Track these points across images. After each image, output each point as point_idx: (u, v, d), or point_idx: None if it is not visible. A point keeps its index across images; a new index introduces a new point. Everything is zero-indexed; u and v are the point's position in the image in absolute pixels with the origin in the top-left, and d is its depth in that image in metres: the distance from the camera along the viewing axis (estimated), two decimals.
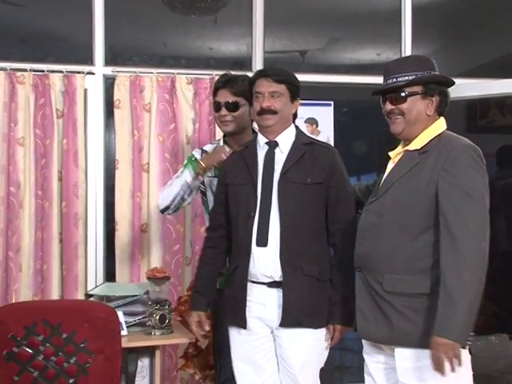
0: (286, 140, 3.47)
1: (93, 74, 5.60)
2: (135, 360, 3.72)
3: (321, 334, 3.38)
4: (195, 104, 5.62)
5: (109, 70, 5.64)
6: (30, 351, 3.42)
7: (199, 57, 6.28)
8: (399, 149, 3.09)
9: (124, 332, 3.69)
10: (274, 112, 3.41)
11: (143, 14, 6.13)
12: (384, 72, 3.11)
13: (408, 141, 3.04)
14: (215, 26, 6.23)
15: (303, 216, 3.33)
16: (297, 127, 3.57)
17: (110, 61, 5.70)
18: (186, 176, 4.00)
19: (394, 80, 3.02)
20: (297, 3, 6.30)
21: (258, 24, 5.89)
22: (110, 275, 5.57)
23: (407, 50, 6.02)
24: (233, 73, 5.55)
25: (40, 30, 6.06)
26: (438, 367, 2.73)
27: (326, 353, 3.45)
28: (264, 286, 3.38)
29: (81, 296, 5.22)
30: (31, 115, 5.38)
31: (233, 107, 3.92)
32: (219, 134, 5.45)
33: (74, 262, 5.39)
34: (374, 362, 3.10)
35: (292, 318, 3.30)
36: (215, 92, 4.07)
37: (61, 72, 5.45)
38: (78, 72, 5.49)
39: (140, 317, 3.98)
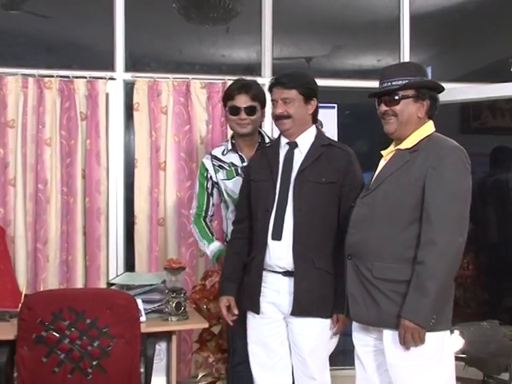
0: (305, 141, 3.45)
1: (114, 79, 5.62)
2: (153, 344, 3.69)
3: (329, 322, 3.37)
4: (208, 107, 5.62)
5: (128, 76, 5.66)
6: (57, 335, 3.43)
7: (212, 63, 6.26)
8: (391, 148, 3.11)
9: (143, 318, 3.68)
10: (288, 117, 3.41)
11: (160, 23, 6.13)
12: (380, 76, 3.13)
13: (399, 140, 3.05)
14: (227, 34, 6.24)
15: (316, 213, 3.31)
16: (317, 128, 3.55)
17: (129, 67, 5.72)
18: (207, 251, 4.21)
19: (389, 84, 3.04)
20: (303, 13, 6.25)
21: (266, 32, 5.90)
22: (129, 265, 5.60)
23: (405, 56, 6.00)
24: (244, 78, 5.66)
25: (65, 39, 6.06)
26: (405, 345, 2.81)
27: (335, 340, 3.44)
28: (279, 275, 3.38)
29: (103, 285, 5.24)
30: (57, 118, 5.41)
31: (251, 111, 3.93)
32: (231, 134, 5.51)
33: (96, 253, 5.43)
34: (362, 345, 3.11)
35: (302, 307, 3.30)
36: (232, 97, 4.01)
37: (84, 78, 5.48)
38: (101, 78, 5.53)
39: (157, 304, 3.96)
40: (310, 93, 3.47)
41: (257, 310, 3.44)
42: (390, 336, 2.91)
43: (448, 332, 2.95)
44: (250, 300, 3.49)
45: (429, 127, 3.07)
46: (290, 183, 3.40)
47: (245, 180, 3.74)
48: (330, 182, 3.32)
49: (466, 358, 4.83)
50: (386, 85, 3.06)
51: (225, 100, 4.13)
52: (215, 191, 4.22)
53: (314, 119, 3.55)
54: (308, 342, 3.34)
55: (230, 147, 4.08)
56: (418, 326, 2.78)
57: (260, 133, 4.12)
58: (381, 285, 2.93)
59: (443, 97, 5.66)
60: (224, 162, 4.07)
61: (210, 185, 4.19)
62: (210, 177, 4.17)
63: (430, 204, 2.86)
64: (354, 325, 3.13)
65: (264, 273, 3.42)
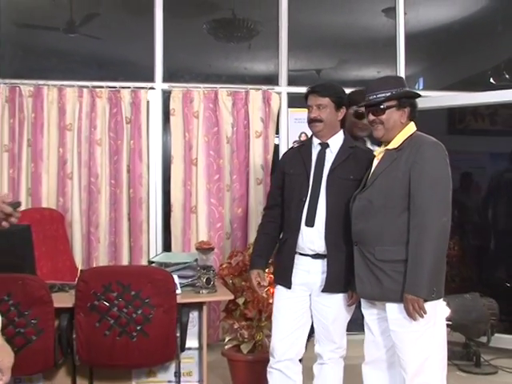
0: (335, 143, 3.39)
1: (154, 89, 5.66)
2: (187, 313, 3.67)
3: (346, 296, 3.34)
4: (233, 112, 5.64)
5: (166, 86, 5.70)
6: (107, 304, 3.45)
7: (236, 74, 6.26)
8: (381, 149, 3.10)
9: (178, 291, 3.67)
10: (320, 121, 3.34)
11: (193, 42, 6.16)
12: (366, 90, 3.10)
13: (387, 142, 3.05)
14: (249, 50, 6.27)
15: (344, 205, 3.23)
16: (345, 133, 3.47)
17: (167, 78, 5.75)
18: None
19: (375, 96, 3.02)
20: (313, 32, 6.25)
21: (282, 48, 5.90)
22: (167, 246, 5.63)
23: (401, 68, 5.99)
24: (263, 87, 5.69)
25: (113, 56, 6.12)
26: (410, 315, 2.84)
27: (351, 311, 3.39)
28: (309, 257, 3.34)
29: (145, 262, 5.30)
30: (106, 122, 5.48)
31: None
32: (252, 135, 5.55)
33: (139, 236, 5.49)
34: (369, 314, 3.13)
35: (332, 285, 3.27)
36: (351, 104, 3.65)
37: (129, 88, 5.54)
38: (142, 88, 5.58)
39: (191, 279, 3.95)
40: (340, 101, 3.39)
41: (288, 286, 3.40)
42: (391, 308, 2.93)
43: (440, 301, 2.97)
44: (282, 277, 3.45)
45: (411, 128, 3.05)
46: (321, 178, 3.34)
47: (279, 172, 3.66)
48: (356, 179, 3.24)
49: (451, 325, 4.83)
50: (371, 97, 3.04)
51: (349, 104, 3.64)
52: None
53: (342, 124, 3.47)
54: (332, 312, 3.32)
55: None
56: (418, 297, 2.81)
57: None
58: (382, 265, 2.94)
59: (434, 103, 5.70)
60: None
61: None
62: None
63: (415, 192, 2.88)
64: (362, 299, 3.16)
65: (296, 255, 3.39)
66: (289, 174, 3.50)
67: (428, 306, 2.86)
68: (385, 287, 2.93)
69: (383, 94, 3.01)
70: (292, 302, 3.40)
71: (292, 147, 3.80)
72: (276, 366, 3.42)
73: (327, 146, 3.40)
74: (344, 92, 3.46)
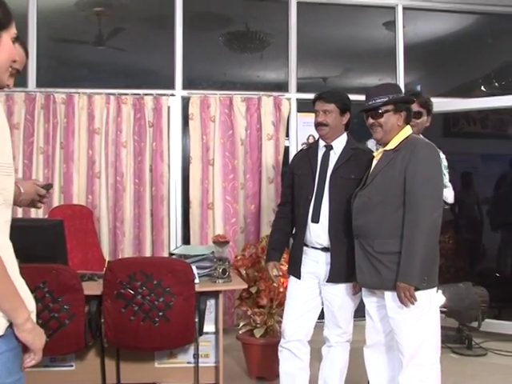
0: (338, 145, 3.39)
1: (174, 95, 5.69)
2: (205, 300, 3.68)
3: (351, 285, 3.33)
4: (247, 116, 5.66)
5: (185, 93, 5.72)
6: (132, 292, 3.46)
7: (250, 82, 6.25)
8: (380, 150, 3.10)
9: (197, 280, 3.66)
10: (326, 125, 3.35)
11: (210, 53, 6.18)
12: (366, 95, 3.09)
13: (385, 144, 3.05)
14: (261, 60, 6.25)
15: (346, 202, 3.23)
16: (348, 135, 3.45)
17: (186, 86, 5.77)
18: None
19: (373, 101, 3.01)
20: (320, 43, 6.27)
21: (292, 58, 5.92)
22: (186, 240, 5.65)
23: (400, 76, 6.01)
24: (274, 94, 5.70)
25: (137, 66, 6.14)
26: (402, 302, 2.84)
27: (357, 299, 3.37)
28: (318, 250, 3.35)
29: (166, 254, 5.33)
30: (131, 126, 5.51)
31: (416, 115, 3.44)
32: (264, 138, 5.55)
33: (160, 230, 5.50)
34: (369, 302, 3.14)
35: (336, 276, 3.28)
36: (413, 102, 3.39)
37: (152, 95, 5.57)
38: (164, 94, 5.61)
39: (208, 270, 3.95)
40: (345, 107, 3.39)
41: (298, 276, 3.43)
42: (389, 296, 2.94)
43: (434, 290, 2.97)
44: (293, 268, 3.48)
45: (406, 131, 3.05)
46: (326, 178, 3.35)
47: (289, 173, 3.67)
48: (357, 178, 3.23)
49: (446, 311, 4.85)
50: (371, 102, 3.03)
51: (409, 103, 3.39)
52: None
53: (347, 128, 3.46)
54: (337, 300, 3.34)
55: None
56: (410, 285, 2.81)
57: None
58: (380, 257, 2.95)
59: None
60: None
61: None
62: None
63: (409, 190, 2.88)
64: (363, 288, 3.16)
65: (304, 248, 3.41)
66: (297, 175, 3.51)
67: (423, 294, 2.87)
68: (383, 277, 2.94)
69: (381, 99, 3.00)
70: (302, 289, 3.42)
71: (301, 149, 3.80)
72: (286, 346, 3.44)
73: (331, 147, 3.40)
74: (349, 99, 3.44)
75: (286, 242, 3.66)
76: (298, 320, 3.42)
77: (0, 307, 1.56)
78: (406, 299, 2.83)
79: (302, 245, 3.40)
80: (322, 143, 3.44)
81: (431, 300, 2.95)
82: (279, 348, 3.49)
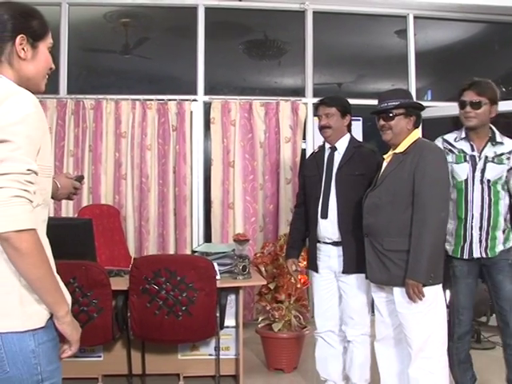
0: (342, 145, 3.44)
1: (196, 100, 5.69)
2: (226, 296, 3.71)
3: (363, 275, 3.28)
4: (266, 120, 5.64)
5: (207, 98, 5.72)
6: (157, 288, 3.49)
7: (268, 88, 6.24)
8: (390, 152, 3.09)
9: (218, 277, 3.69)
10: (329, 127, 3.42)
11: (230, 60, 6.19)
12: (378, 98, 3.10)
13: (395, 146, 3.04)
14: (279, 66, 6.22)
15: (352, 197, 3.27)
16: (351, 136, 3.50)
17: (207, 91, 5.77)
18: None
19: (385, 104, 3.02)
20: (335, 50, 6.26)
21: (308, 65, 5.90)
22: (207, 238, 5.64)
23: (412, 82, 5.97)
24: (291, 99, 5.68)
25: (161, 73, 6.12)
26: (410, 297, 2.84)
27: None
28: (329, 245, 3.39)
29: (188, 252, 5.34)
30: (155, 129, 5.51)
31: (475, 105, 3.16)
32: (282, 140, 5.54)
33: (183, 228, 5.50)
34: (378, 297, 3.13)
35: (349, 267, 3.31)
36: (461, 92, 3.24)
37: (175, 100, 5.56)
38: (186, 100, 5.60)
39: (229, 266, 3.97)
40: (345, 110, 3.45)
41: (316, 270, 3.48)
42: (398, 291, 2.93)
43: (440, 286, 2.95)
44: (311, 263, 3.52)
45: (415, 134, 3.04)
46: (332, 177, 3.40)
47: (301, 176, 3.76)
48: (361, 174, 3.29)
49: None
50: (383, 105, 3.03)
51: (458, 95, 3.34)
52: None
53: (349, 129, 3.52)
54: (351, 289, 3.36)
55: (462, 136, 3.27)
56: (418, 282, 2.80)
57: (491, 128, 3.28)
58: (389, 254, 2.94)
59: (440, 112, 5.62)
60: (454, 147, 3.25)
61: None
62: None
63: (418, 191, 2.87)
64: (372, 284, 3.14)
65: (318, 244, 3.45)
66: (307, 177, 3.59)
67: (430, 290, 2.86)
68: (392, 273, 2.93)
69: (393, 103, 3.01)
70: (322, 284, 3.49)
71: (311, 153, 3.82)
72: (319, 334, 3.55)
73: (335, 149, 3.45)
74: (348, 102, 3.53)
75: (303, 240, 3.70)
76: (326, 312, 3.50)
77: (44, 300, 1.59)
78: (415, 295, 2.83)
79: (316, 241, 3.46)
80: (327, 146, 3.51)
81: (438, 295, 2.94)
82: (315, 335, 3.60)
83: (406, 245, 2.88)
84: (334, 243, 3.37)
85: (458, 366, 3.27)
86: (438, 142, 3.36)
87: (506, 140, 3.23)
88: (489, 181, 3.15)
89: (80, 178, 2.22)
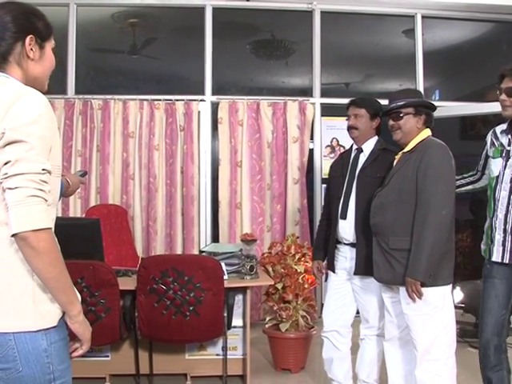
0: (368, 147, 3.41)
1: (204, 101, 5.69)
2: (233, 296, 3.71)
3: None
4: (273, 120, 5.63)
5: (214, 98, 5.71)
6: (164, 287, 3.49)
7: (276, 88, 6.24)
8: (400, 152, 3.06)
9: (225, 277, 3.67)
10: (356, 128, 3.39)
11: (238, 60, 6.19)
12: (388, 99, 3.09)
13: (405, 145, 3.02)
14: (286, 67, 6.22)
15: (370, 199, 3.18)
16: (379, 138, 3.46)
17: (215, 92, 5.77)
18: None
19: (394, 104, 3.01)
20: (343, 50, 6.25)
21: (316, 65, 5.89)
22: (215, 238, 5.64)
23: (420, 82, 5.95)
24: (299, 99, 5.67)
25: (169, 73, 6.15)
26: (409, 296, 2.81)
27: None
28: (347, 246, 3.38)
29: (196, 252, 5.33)
30: (163, 130, 5.52)
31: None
32: (290, 140, 5.53)
33: (191, 228, 5.50)
34: (387, 297, 3.10)
35: (361, 268, 3.27)
36: (501, 80, 2.91)
37: (183, 100, 5.56)
38: (194, 100, 5.60)
39: (236, 266, 3.96)
40: (375, 112, 3.39)
41: (333, 270, 3.48)
42: (403, 291, 2.89)
43: (448, 287, 2.91)
44: (329, 263, 3.52)
45: (425, 133, 3.01)
46: (354, 178, 3.38)
47: (328, 176, 3.74)
48: (382, 176, 3.21)
49: (464, 307, 4.79)
50: (392, 105, 3.03)
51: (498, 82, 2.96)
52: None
53: (378, 132, 3.46)
54: (364, 291, 3.35)
55: (505, 128, 2.99)
56: (416, 280, 2.77)
57: None
58: (395, 253, 2.91)
59: (448, 112, 5.61)
60: (498, 139, 3.01)
61: (483, 155, 3.19)
62: (486, 150, 3.14)
63: (421, 189, 2.85)
64: (381, 284, 3.11)
65: (337, 244, 3.44)
66: (333, 177, 3.59)
67: (436, 291, 2.84)
68: (397, 272, 2.90)
69: (402, 103, 3.00)
70: (336, 284, 3.48)
71: (340, 154, 3.82)
72: (325, 335, 3.53)
73: (361, 150, 3.43)
74: (380, 105, 3.44)
75: (328, 241, 3.66)
76: (335, 312, 3.48)
77: (58, 300, 1.60)
78: (413, 294, 2.80)
79: (335, 241, 3.45)
80: (354, 147, 3.49)
81: (445, 297, 2.90)
82: (321, 336, 3.58)
83: (410, 244, 2.85)
84: (352, 244, 3.36)
85: (489, 370, 3.04)
86: (490, 133, 3.12)
87: None
88: None
89: (84, 174, 2.28)
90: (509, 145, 2.94)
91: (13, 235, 1.50)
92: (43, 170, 1.53)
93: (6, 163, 1.51)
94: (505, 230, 2.90)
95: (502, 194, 2.92)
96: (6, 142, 1.52)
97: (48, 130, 1.58)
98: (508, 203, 2.89)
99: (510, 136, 2.95)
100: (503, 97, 2.88)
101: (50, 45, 1.75)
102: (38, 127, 1.54)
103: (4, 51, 1.66)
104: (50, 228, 1.55)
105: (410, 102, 3.00)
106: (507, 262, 2.91)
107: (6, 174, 1.50)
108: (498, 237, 2.92)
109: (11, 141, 1.51)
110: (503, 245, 2.91)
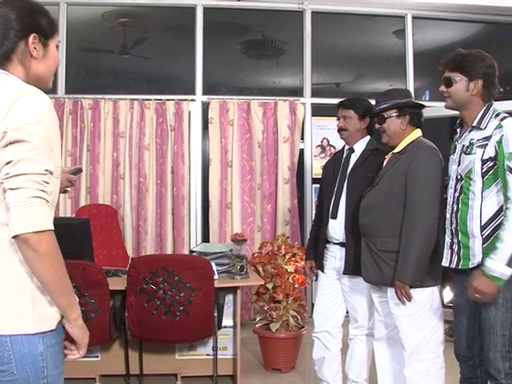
0: (359, 147, 3.41)
1: (194, 100, 5.69)
2: (223, 295, 3.71)
3: None
4: (264, 120, 5.64)
5: (205, 98, 5.72)
6: (154, 287, 3.48)
7: (266, 88, 6.26)
8: (390, 153, 3.07)
9: (216, 276, 3.67)
10: (345, 129, 3.39)
11: (228, 60, 6.20)
12: (375, 101, 3.11)
13: (395, 146, 3.02)
14: (277, 67, 6.24)
15: (360, 199, 3.21)
16: (371, 138, 3.46)
17: (206, 91, 5.78)
18: None
19: (378, 107, 3.03)
20: (333, 51, 6.27)
21: (306, 65, 5.90)
22: (205, 238, 5.64)
23: (410, 82, 5.98)
24: (290, 99, 5.68)
25: (160, 73, 6.15)
26: (398, 298, 2.83)
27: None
28: (337, 245, 3.38)
29: (186, 252, 5.32)
30: (154, 129, 5.51)
31: (448, 82, 2.69)
32: (280, 140, 5.54)
33: (181, 228, 5.49)
34: (376, 297, 3.11)
35: (350, 268, 3.28)
36: (442, 71, 2.77)
37: (173, 100, 5.57)
38: (185, 100, 5.60)
39: (226, 266, 3.96)
40: (364, 113, 3.38)
41: (322, 270, 3.48)
42: (390, 292, 2.91)
43: (436, 288, 2.92)
44: (319, 262, 3.50)
45: (415, 134, 3.00)
46: (345, 178, 3.39)
47: (321, 178, 3.75)
48: (372, 176, 3.22)
49: (453, 307, 4.82)
50: (376, 108, 3.05)
51: None
52: None
53: (369, 131, 3.45)
54: (353, 291, 3.36)
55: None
56: (404, 283, 2.78)
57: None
58: (382, 255, 2.92)
59: (438, 112, 5.60)
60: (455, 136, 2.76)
61: None
62: None
63: (409, 191, 2.85)
64: (369, 284, 3.13)
65: (327, 244, 3.44)
66: (324, 177, 3.61)
67: (423, 292, 2.85)
68: (384, 274, 2.92)
69: (385, 105, 3.00)
70: (326, 284, 3.48)
71: (333, 154, 3.83)
72: (316, 335, 3.54)
73: (353, 150, 3.44)
74: (369, 105, 3.42)
75: None
76: (325, 312, 3.49)
77: (58, 303, 1.56)
78: (403, 296, 2.82)
79: (325, 241, 3.45)
80: (346, 147, 3.51)
81: (433, 297, 2.91)
82: (312, 336, 3.58)
83: (397, 245, 2.86)
84: (341, 244, 3.36)
85: (464, 381, 2.83)
86: None
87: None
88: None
89: (78, 171, 2.22)
90: (457, 140, 2.69)
91: (14, 237, 1.46)
92: (45, 170, 1.50)
93: (7, 163, 1.47)
94: (451, 232, 2.65)
95: (449, 193, 2.69)
96: (7, 141, 1.48)
97: (50, 130, 1.54)
98: (453, 202, 2.64)
99: (458, 130, 2.71)
100: (442, 88, 2.70)
101: (54, 42, 1.70)
102: (41, 127, 1.50)
103: (7, 50, 1.62)
104: (52, 230, 1.51)
105: (393, 104, 2.99)
106: (454, 266, 2.61)
107: (8, 174, 1.47)
108: (447, 239, 2.67)
109: (13, 140, 1.47)
110: (451, 247, 2.64)
